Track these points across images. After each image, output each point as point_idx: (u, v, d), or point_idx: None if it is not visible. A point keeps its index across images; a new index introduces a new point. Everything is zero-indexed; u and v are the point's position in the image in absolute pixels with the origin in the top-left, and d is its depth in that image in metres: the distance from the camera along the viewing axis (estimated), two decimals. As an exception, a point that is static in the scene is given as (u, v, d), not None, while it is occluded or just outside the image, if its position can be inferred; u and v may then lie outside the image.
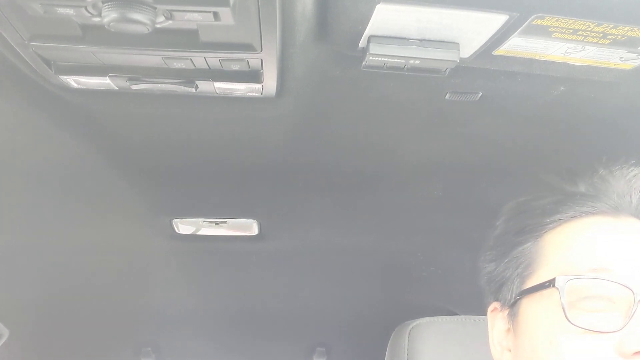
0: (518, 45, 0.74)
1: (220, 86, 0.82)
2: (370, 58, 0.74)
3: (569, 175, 0.82)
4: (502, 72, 0.83)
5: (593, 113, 0.95)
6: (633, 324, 0.67)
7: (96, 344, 2.14)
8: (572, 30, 0.69)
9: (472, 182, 1.24)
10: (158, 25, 0.64)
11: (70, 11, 0.62)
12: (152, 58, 0.74)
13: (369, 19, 0.69)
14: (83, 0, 0.60)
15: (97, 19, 0.62)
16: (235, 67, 0.76)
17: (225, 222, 1.46)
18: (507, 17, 0.67)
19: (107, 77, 0.79)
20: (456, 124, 1.00)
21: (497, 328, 0.83)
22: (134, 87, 0.81)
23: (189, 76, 0.80)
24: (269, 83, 0.81)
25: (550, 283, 0.71)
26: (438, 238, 1.56)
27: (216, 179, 1.21)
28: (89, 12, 0.62)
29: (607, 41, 0.71)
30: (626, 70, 0.79)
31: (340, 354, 2.27)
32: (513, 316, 0.79)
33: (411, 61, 0.75)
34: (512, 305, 0.79)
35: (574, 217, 0.77)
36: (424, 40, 0.73)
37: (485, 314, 1.30)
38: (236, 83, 0.81)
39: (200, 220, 1.45)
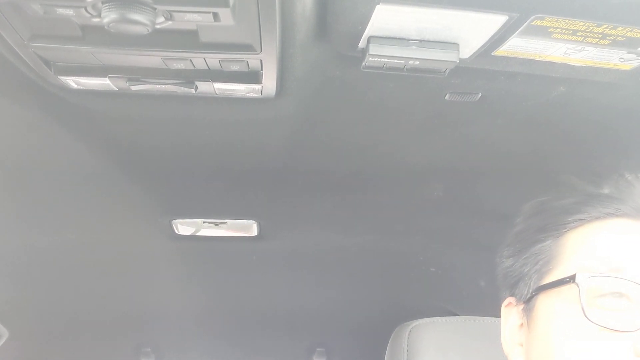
0: (518, 46, 0.74)
1: (220, 87, 0.82)
2: (370, 59, 0.74)
3: (593, 177, 0.82)
4: (501, 73, 0.83)
5: (592, 113, 0.95)
6: None
7: (96, 344, 2.14)
8: (571, 31, 0.69)
9: (472, 182, 1.24)
10: (158, 26, 0.64)
11: (69, 12, 0.62)
12: (151, 59, 0.74)
13: (369, 20, 0.69)
14: (83, 0, 0.60)
15: (96, 20, 0.62)
16: (235, 67, 0.76)
17: (224, 222, 1.46)
18: (507, 17, 0.67)
19: (107, 78, 0.79)
20: (456, 125, 1.00)
21: (510, 323, 0.84)
22: (134, 88, 0.81)
23: (189, 77, 0.80)
24: (269, 84, 0.81)
25: (571, 279, 0.71)
26: (438, 238, 1.56)
27: (216, 179, 1.21)
28: (88, 13, 0.62)
29: (607, 42, 0.71)
30: (626, 71, 0.79)
31: (340, 354, 2.27)
32: (528, 311, 0.79)
33: (411, 62, 0.75)
34: (528, 301, 0.80)
35: (597, 217, 0.77)
36: (423, 40, 0.73)
37: (485, 315, 1.30)
38: (236, 84, 0.81)
39: (200, 221, 1.45)
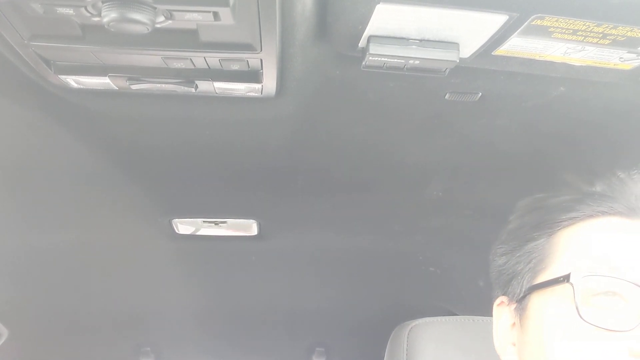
0: (518, 46, 0.74)
1: (220, 86, 0.82)
2: (370, 58, 0.74)
3: (587, 175, 0.82)
4: (501, 73, 0.83)
5: (592, 113, 0.95)
6: None
7: (95, 343, 2.14)
8: (571, 31, 0.69)
9: (471, 182, 1.24)
10: (158, 25, 0.64)
11: (70, 11, 0.62)
12: (151, 58, 0.74)
13: (369, 19, 0.69)
14: (83, 0, 0.60)
15: (96, 19, 0.62)
16: (235, 67, 0.76)
17: (224, 222, 1.46)
18: (507, 17, 0.67)
19: (107, 77, 0.79)
20: (456, 124, 1.00)
21: (502, 322, 0.83)
22: (134, 87, 0.81)
23: (189, 76, 0.80)
24: (269, 83, 0.81)
25: (565, 278, 0.71)
26: (437, 238, 1.56)
27: (216, 179, 1.21)
28: (88, 12, 0.62)
29: (607, 41, 0.71)
30: (626, 71, 0.79)
31: (340, 354, 2.26)
32: (521, 311, 0.79)
33: (411, 61, 0.75)
34: (521, 300, 0.79)
35: (590, 216, 0.77)
36: (423, 40, 0.73)
37: (484, 314, 1.30)
38: (236, 83, 0.81)
39: (200, 220, 1.45)
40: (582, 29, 0.69)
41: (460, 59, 0.75)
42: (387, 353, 1.30)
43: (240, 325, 2.11)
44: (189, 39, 0.70)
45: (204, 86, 0.82)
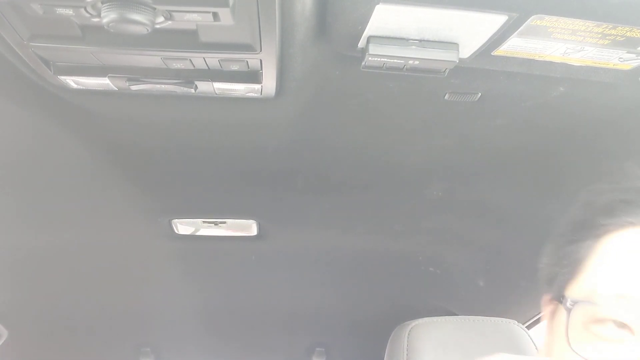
0: (517, 46, 0.74)
1: (220, 87, 0.82)
2: (370, 58, 0.74)
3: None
4: (501, 73, 0.83)
5: (592, 113, 0.95)
6: None
7: (95, 344, 2.14)
8: (571, 31, 0.69)
9: (471, 182, 1.24)
10: (157, 26, 0.64)
11: (69, 11, 0.62)
12: (151, 58, 0.74)
13: (369, 19, 0.69)
14: (82, 0, 0.60)
15: (96, 20, 0.62)
16: (235, 67, 0.76)
17: (224, 222, 1.46)
18: (507, 17, 0.67)
19: (107, 78, 0.79)
20: (456, 125, 1.00)
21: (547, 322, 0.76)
22: (133, 88, 0.81)
23: (188, 77, 0.80)
24: (269, 83, 0.81)
25: (561, 300, 0.65)
26: (437, 238, 1.56)
27: (215, 179, 1.21)
28: (88, 13, 0.62)
29: (606, 41, 0.71)
30: (625, 71, 0.79)
31: (339, 354, 2.26)
32: (552, 313, 0.73)
33: (410, 61, 0.75)
34: (552, 303, 0.73)
35: (632, 223, 0.65)
36: (423, 40, 0.73)
37: (484, 314, 1.30)
38: (235, 83, 0.81)
39: (200, 220, 1.45)
40: (582, 29, 0.69)
41: (460, 59, 0.75)
42: (387, 353, 1.30)
43: (240, 326, 2.11)
44: (188, 39, 0.70)
45: (204, 87, 0.82)
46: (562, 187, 1.16)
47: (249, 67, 0.76)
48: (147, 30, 0.62)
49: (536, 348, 1.21)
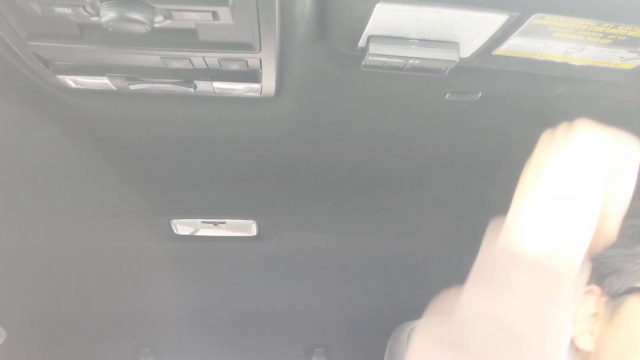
0: (518, 45, 0.73)
1: (219, 86, 0.82)
2: (370, 58, 0.74)
3: None
4: (502, 72, 0.83)
5: (593, 113, 0.95)
6: None
7: (94, 345, 2.14)
8: (572, 30, 0.69)
9: (472, 182, 1.24)
10: (156, 25, 0.63)
11: (68, 10, 0.62)
12: (150, 58, 0.74)
13: (369, 19, 0.68)
14: (81, -1, 0.59)
15: (95, 19, 0.62)
16: (234, 66, 0.76)
17: (224, 222, 1.46)
18: (507, 16, 0.67)
19: (105, 77, 0.79)
20: (456, 124, 1.00)
21: (585, 309, 0.82)
22: (132, 87, 0.81)
23: (188, 76, 0.79)
24: (268, 83, 0.81)
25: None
26: (438, 238, 1.56)
27: (215, 179, 1.21)
28: (87, 12, 0.62)
29: (608, 41, 0.71)
30: (627, 70, 0.79)
31: (339, 355, 2.26)
32: (614, 305, 0.78)
33: (411, 61, 0.75)
34: (617, 296, 0.78)
35: None
36: (423, 40, 0.73)
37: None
38: (235, 83, 0.81)
39: (199, 220, 1.45)
40: (583, 28, 0.68)
41: (461, 58, 0.75)
42: (387, 354, 1.30)
43: (240, 326, 2.11)
44: (187, 38, 0.69)
45: (203, 86, 0.82)
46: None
47: (248, 67, 0.76)
48: (146, 29, 0.61)
49: None
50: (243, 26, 0.67)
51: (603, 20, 0.67)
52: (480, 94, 0.89)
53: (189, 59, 0.74)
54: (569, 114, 0.96)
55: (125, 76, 0.79)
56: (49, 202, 1.29)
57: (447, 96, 0.90)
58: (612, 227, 0.67)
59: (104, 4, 0.59)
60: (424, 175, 1.21)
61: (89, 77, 0.79)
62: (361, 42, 0.74)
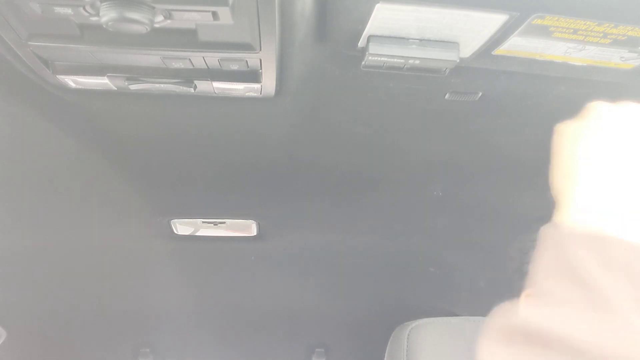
0: (518, 45, 0.73)
1: (219, 86, 0.82)
2: (370, 58, 0.74)
3: None
4: (502, 72, 0.83)
5: (593, 113, 0.95)
6: None
7: (94, 344, 2.14)
8: (572, 30, 0.69)
9: (471, 182, 1.24)
10: (157, 25, 0.63)
11: (68, 11, 0.62)
12: (150, 58, 0.74)
13: (369, 19, 0.68)
14: (81, -1, 0.59)
15: (95, 19, 0.62)
16: (234, 66, 0.76)
17: (224, 222, 1.46)
18: (507, 16, 0.67)
19: (106, 77, 0.79)
20: (456, 124, 1.00)
21: None
22: (133, 87, 0.81)
23: (188, 76, 0.79)
24: (268, 83, 0.81)
25: None
26: (438, 238, 1.56)
27: (215, 179, 1.21)
28: (87, 12, 0.62)
29: (608, 41, 0.71)
30: (627, 70, 0.79)
31: (339, 354, 2.26)
32: None
33: (411, 61, 0.75)
34: None
35: None
36: (423, 40, 0.73)
37: (484, 315, 1.28)
38: (235, 83, 0.81)
39: (199, 220, 1.45)
40: (583, 28, 0.68)
41: (461, 58, 0.75)
42: (387, 353, 1.30)
43: (240, 326, 2.11)
44: (187, 38, 0.69)
45: (203, 86, 0.82)
46: None
47: (248, 67, 0.76)
48: (146, 29, 0.61)
49: None
50: (243, 26, 0.67)
51: (603, 20, 0.67)
52: (480, 94, 0.89)
53: (189, 59, 0.74)
54: (569, 114, 0.96)
55: (125, 76, 0.79)
56: (49, 203, 1.29)
57: (447, 96, 0.90)
58: None
59: (104, 4, 0.59)
60: (424, 175, 1.21)
61: (89, 77, 0.79)
62: (361, 42, 0.74)
